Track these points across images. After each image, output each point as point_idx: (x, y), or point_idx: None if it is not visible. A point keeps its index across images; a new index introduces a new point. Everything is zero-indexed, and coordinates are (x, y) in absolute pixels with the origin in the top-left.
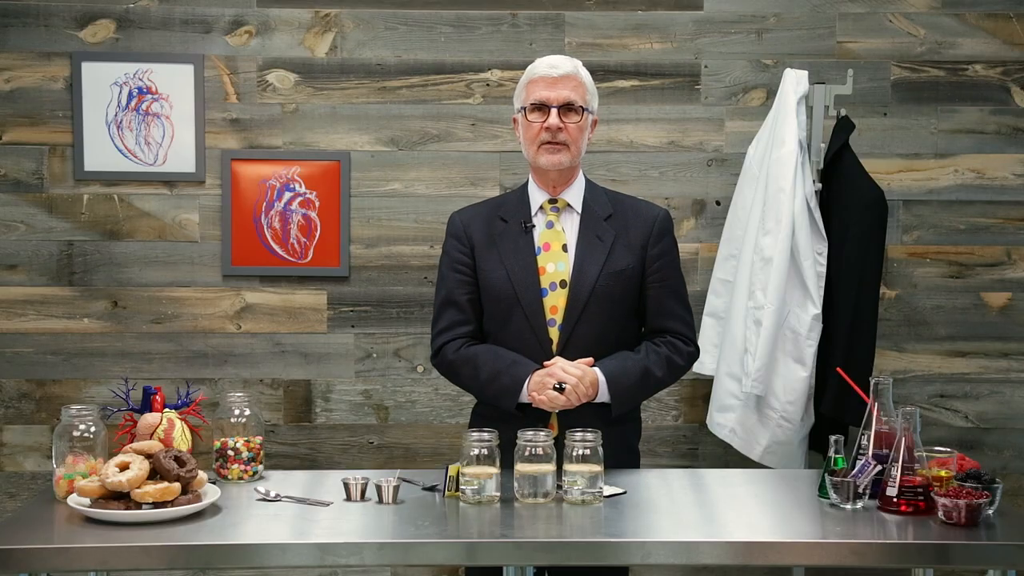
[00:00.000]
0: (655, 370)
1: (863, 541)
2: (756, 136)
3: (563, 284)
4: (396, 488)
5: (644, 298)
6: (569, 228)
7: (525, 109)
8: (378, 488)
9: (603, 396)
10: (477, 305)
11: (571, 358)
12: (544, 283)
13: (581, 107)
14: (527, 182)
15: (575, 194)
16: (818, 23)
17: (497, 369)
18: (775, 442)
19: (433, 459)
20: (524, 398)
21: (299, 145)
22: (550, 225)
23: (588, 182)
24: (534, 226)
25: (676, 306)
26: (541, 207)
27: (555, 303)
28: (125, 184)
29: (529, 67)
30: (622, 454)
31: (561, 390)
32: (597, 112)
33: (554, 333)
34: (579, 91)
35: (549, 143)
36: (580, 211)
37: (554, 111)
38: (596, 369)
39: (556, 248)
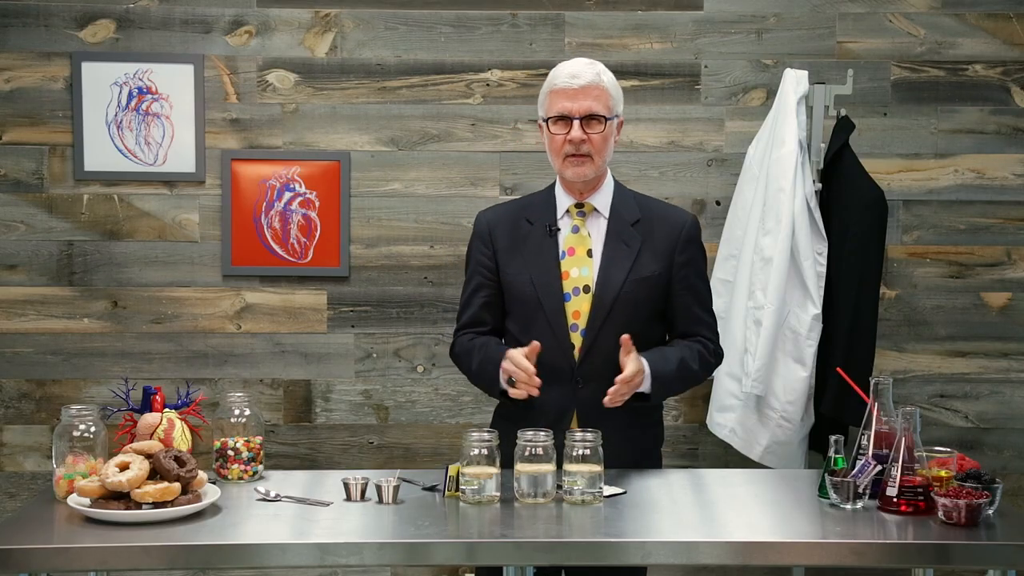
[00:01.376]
0: (691, 363)
1: (863, 541)
2: (756, 136)
3: (586, 289)
4: (396, 488)
5: (670, 305)
6: (595, 233)
7: (548, 121)
8: (378, 488)
9: (645, 386)
10: (495, 307)
11: (594, 363)
12: (567, 288)
13: (604, 116)
14: (555, 183)
15: (603, 199)
16: (818, 23)
17: (484, 356)
18: (775, 442)
19: (433, 459)
20: (504, 385)
21: (299, 145)
22: (576, 230)
23: (617, 185)
24: (559, 229)
25: (702, 313)
26: (568, 211)
27: (578, 308)
28: (125, 184)
29: (551, 73)
30: (642, 457)
31: (512, 384)
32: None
33: (576, 338)
34: (602, 99)
35: (573, 156)
36: (607, 216)
37: (576, 123)
38: (640, 358)
39: (581, 253)
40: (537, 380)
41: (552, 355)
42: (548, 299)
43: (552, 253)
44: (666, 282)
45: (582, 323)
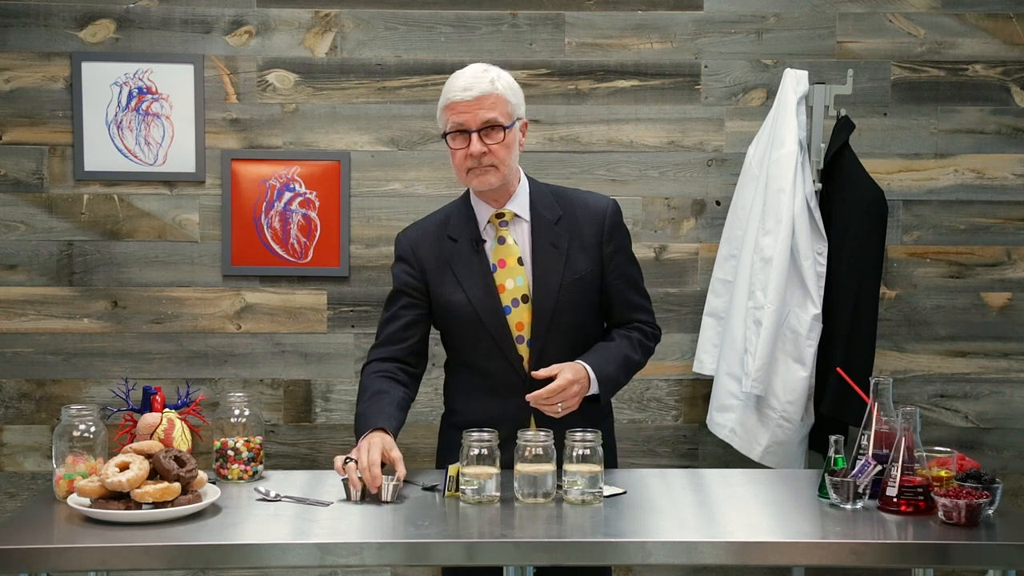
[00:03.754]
0: (633, 354)
1: (863, 541)
2: (756, 136)
3: (525, 299)
4: (395, 487)
5: (606, 294)
6: (521, 239)
7: (447, 136)
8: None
9: (593, 388)
10: (419, 327)
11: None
12: (505, 301)
13: (502, 124)
14: (468, 194)
15: (520, 203)
16: (818, 23)
17: (367, 408)
18: (775, 442)
19: (433, 459)
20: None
21: (299, 145)
22: (501, 240)
23: (532, 184)
24: (485, 241)
25: (637, 297)
26: (489, 221)
27: (520, 319)
28: (125, 184)
29: (445, 86)
30: (608, 454)
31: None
32: (594, 116)
33: (523, 350)
34: (498, 106)
35: (475, 168)
36: (529, 220)
37: (474, 136)
38: (582, 363)
39: (511, 263)
40: (375, 484)
41: (502, 370)
42: (488, 315)
43: (483, 268)
44: (599, 274)
45: (527, 334)
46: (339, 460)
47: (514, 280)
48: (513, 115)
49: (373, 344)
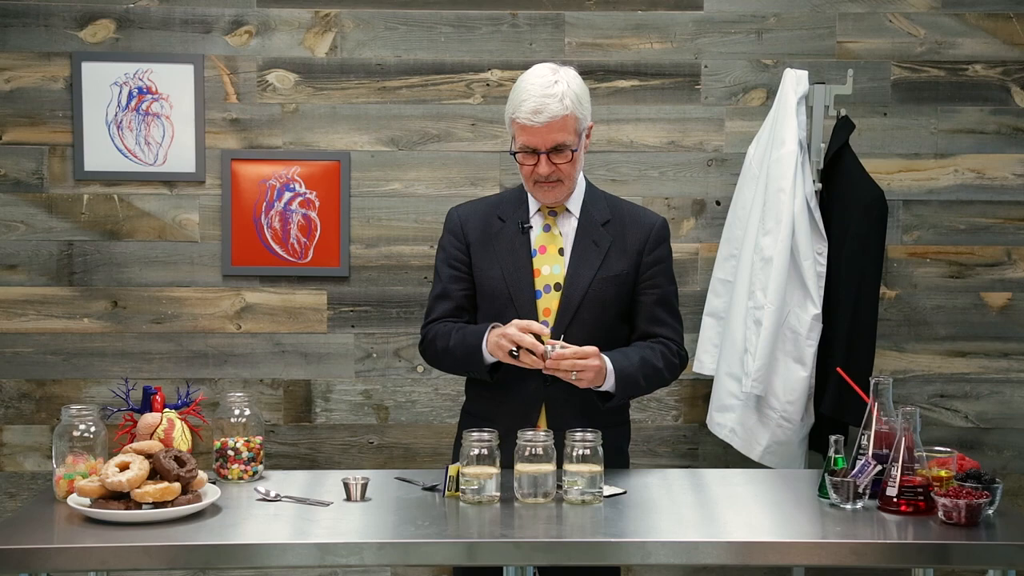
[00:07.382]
0: (654, 361)
1: (863, 541)
2: (756, 136)
3: (557, 287)
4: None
5: (635, 304)
6: (566, 232)
7: (515, 154)
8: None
9: (608, 383)
10: (471, 301)
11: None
12: (538, 285)
13: (571, 147)
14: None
15: (574, 199)
16: (818, 23)
17: (464, 331)
18: (775, 442)
19: (433, 459)
20: (488, 357)
21: (299, 145)
22: (547, 228)
23: (588, 186)
24: (531, 227)
25: (666, 315)
26: (539, 209)
27: (548, 305)
28: (125, 184)
29: (513, 97)
30: (611, 456)
31: (515, 356)
32: (594, 116)
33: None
34: (567, 128)
35: (542, 183)
36: (578, 216)
37: (543, 157)
38: (604, 356)
39: (552, 251)
40: (542, 348)
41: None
42: (519, 296)
43: (524, 250)
44: (633, 281)
45: (552, 320)
46: (502, 352)
47: (551, 267)
48: (581, 129)
49: (429, 320)
